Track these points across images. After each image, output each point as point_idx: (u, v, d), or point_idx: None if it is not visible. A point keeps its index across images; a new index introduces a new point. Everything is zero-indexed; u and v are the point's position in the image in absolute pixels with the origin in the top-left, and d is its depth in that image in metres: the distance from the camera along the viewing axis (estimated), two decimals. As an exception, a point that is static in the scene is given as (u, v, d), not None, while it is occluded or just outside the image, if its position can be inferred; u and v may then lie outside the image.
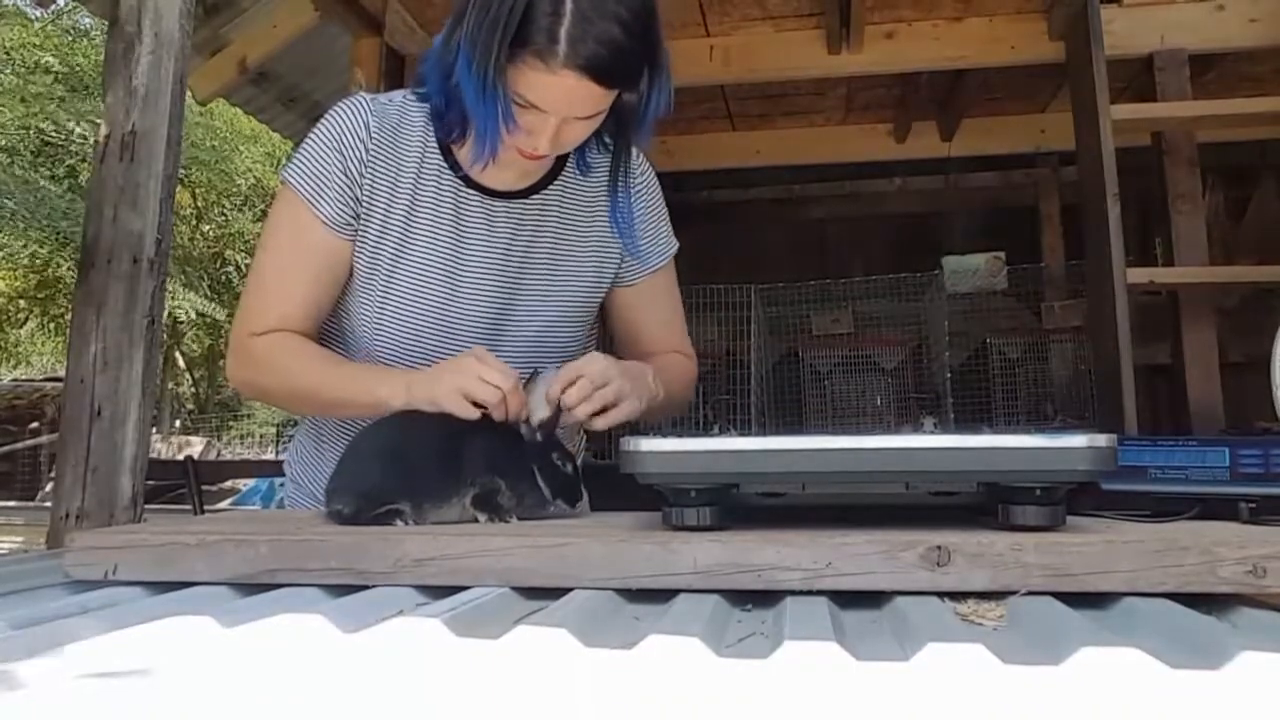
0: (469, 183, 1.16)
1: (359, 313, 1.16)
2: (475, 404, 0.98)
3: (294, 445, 1.34)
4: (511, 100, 1.00)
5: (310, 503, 1.26)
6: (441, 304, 1.15)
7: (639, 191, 1.27)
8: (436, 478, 0.95)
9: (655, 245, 1.29)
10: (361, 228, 1.14)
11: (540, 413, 1.01)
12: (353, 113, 1.14)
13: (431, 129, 1.16)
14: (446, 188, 1.15)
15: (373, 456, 0.98)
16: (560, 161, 1.21)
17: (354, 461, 0.98)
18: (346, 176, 1.11)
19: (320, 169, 1.11)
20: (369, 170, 1.12)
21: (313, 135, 1.14)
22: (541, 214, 1.19)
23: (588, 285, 1.23)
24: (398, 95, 1.18)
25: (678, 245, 1.33)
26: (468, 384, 0.97)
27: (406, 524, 0.91)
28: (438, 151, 1.15)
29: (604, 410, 1.03)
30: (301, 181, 1.11)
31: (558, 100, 1.00)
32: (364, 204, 1.13)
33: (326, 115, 1.14)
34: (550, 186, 1.20)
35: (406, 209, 1.14)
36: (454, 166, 1.16)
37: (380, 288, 1.14)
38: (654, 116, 1.10)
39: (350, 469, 0.97)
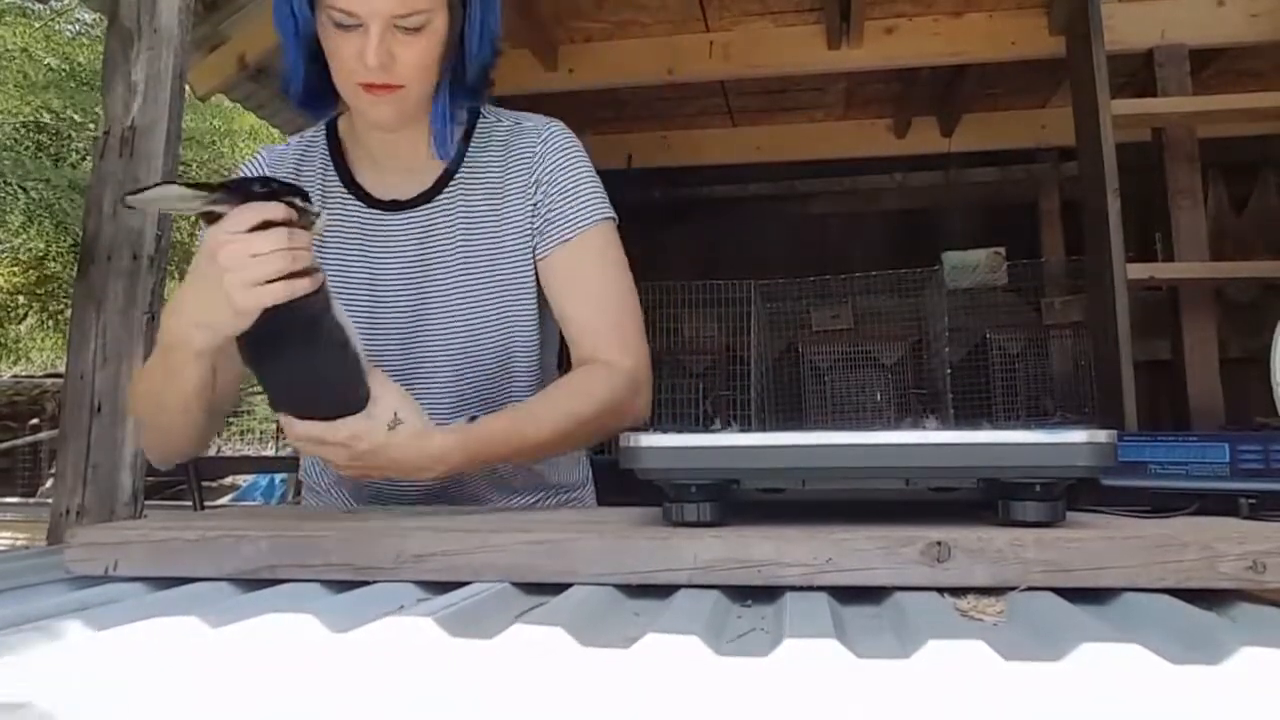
0: (370, 202, 1.14)
1: None
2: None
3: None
4: (331, 19, 0.99)
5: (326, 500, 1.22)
6: (361, 319, 1.09)
7: (542, 164, 1.14)
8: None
9: (561, 216, 1.13)
10: None
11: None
12: (249, 167, 1.16)
13: (331, 161, 1.15)
14: (351, 210, 1.14)
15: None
16: (456, 166, 1.15)
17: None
18: None
19: None
20: None
21: None
22: (448, 217, 1.14)
23: (506, 277, 1.14)
24: (295, 138, 1.18)
25: (609, 216, 1.15)
26: (251, 268, 0.82)
27: None
28: (338, 180, 1.15)
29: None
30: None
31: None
32: None
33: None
34: (448, 188, 1.15)
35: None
36: (356, 188, 1.14)
37: None
38: (485, 34, 1.06)
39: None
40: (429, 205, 1.13)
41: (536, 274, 1.14)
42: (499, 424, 1.01)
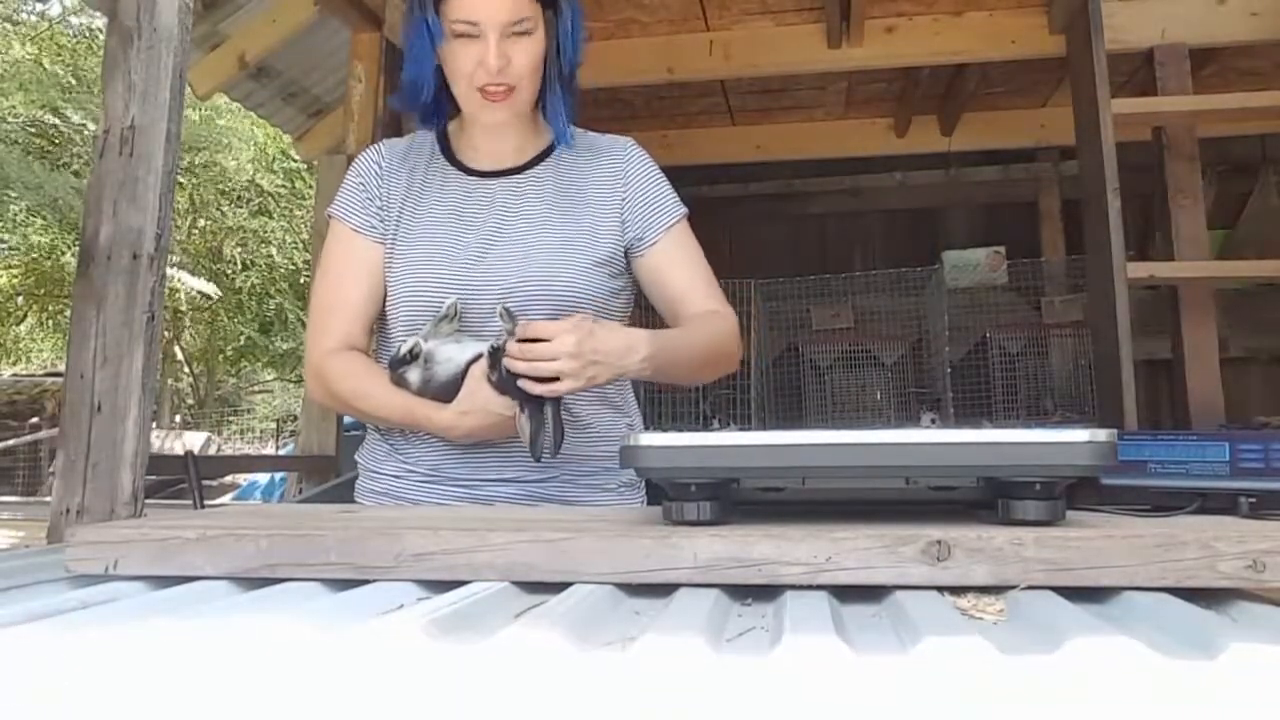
0: (470, 172, 1.36)
1: (389, 288, 1.34)
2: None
3: (368, 440, 1.42)
4: (453, 31, 1.21)
5: (379, 490, 1.35)
6: (455, 274, 1.29)
7: (628, 167, 1.38)
8: None
9: (659, 211, 1.37)
10: (385, 226, 1.35)
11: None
12: (368, 150, 1.42)
13: (438, 146, 1.38)
14: (451, 179, 1.36)
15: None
16: (543, 156, 1.37)
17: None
18: (366, 191, 1.36)
19: (347, 193, 1.37)
20: (385, 181, 1.36)
21: (344, 178, 1.41)
22: (538, 186, 1.35)
23: (589, 244, 1.32)
24: (409, 137, 1.42)
25: (685, 210, 1.40)
26: (502, 420, 1.17)
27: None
28: (442, 157, 1.38)
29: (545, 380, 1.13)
30: (337, 207, 1.37)
31: (480, 7, 1.19)
32: (385, 206, 1.35)
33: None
34: (544, 163, 1.37)
35: (416, 199, 1.35)
36: (458, 164, 1.37)
37: (397, 266, 1.31)
38: (575, 28, 1.29)
39: None
40: (519, 175, 1.36)
41: (609, 242, 1.34)
42: (668, 331, 1.29)
